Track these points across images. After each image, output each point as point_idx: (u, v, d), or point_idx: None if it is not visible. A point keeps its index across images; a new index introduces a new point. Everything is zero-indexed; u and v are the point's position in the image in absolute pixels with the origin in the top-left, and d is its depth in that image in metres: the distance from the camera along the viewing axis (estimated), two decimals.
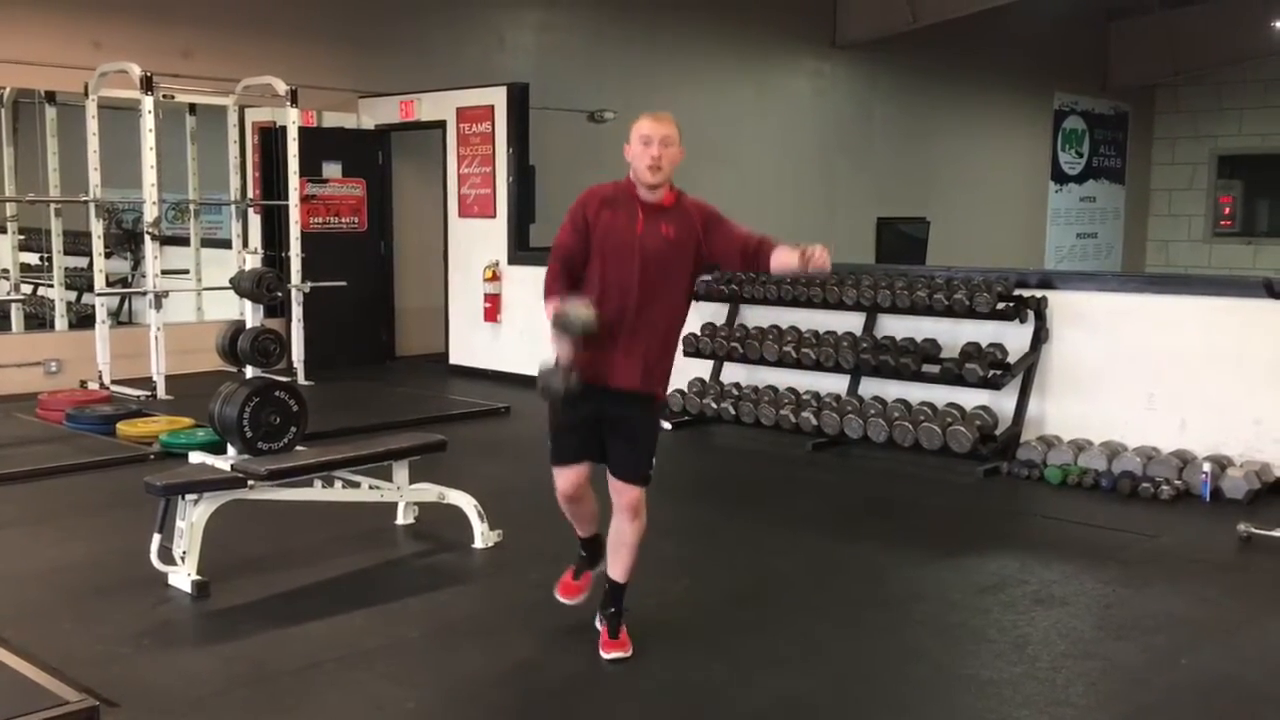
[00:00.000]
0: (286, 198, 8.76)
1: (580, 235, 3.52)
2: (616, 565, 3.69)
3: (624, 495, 3.62)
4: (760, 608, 4.26)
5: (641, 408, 3.61)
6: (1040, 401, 6.59)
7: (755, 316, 7.74)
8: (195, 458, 5.60)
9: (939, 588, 4.53)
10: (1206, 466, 5.78)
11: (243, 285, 5.68)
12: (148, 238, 7.95)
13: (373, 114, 10.07)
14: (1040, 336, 6.56)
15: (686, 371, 7.72)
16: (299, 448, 5.40)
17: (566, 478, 3.65)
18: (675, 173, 3.58)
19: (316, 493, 4.79)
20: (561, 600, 3.87)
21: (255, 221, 9.75)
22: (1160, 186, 19.19)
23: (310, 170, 9.20)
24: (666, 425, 7.44)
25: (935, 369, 6.72)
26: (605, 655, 3.65)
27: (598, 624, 3.75)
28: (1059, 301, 6.58)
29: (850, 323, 7.29)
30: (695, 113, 12.45)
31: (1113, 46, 17.77)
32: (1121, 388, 6.33)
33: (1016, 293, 6.60)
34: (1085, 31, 17.32)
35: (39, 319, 9.11)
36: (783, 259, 3.54)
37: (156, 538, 4.25)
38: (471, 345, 9.48)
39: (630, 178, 3.58)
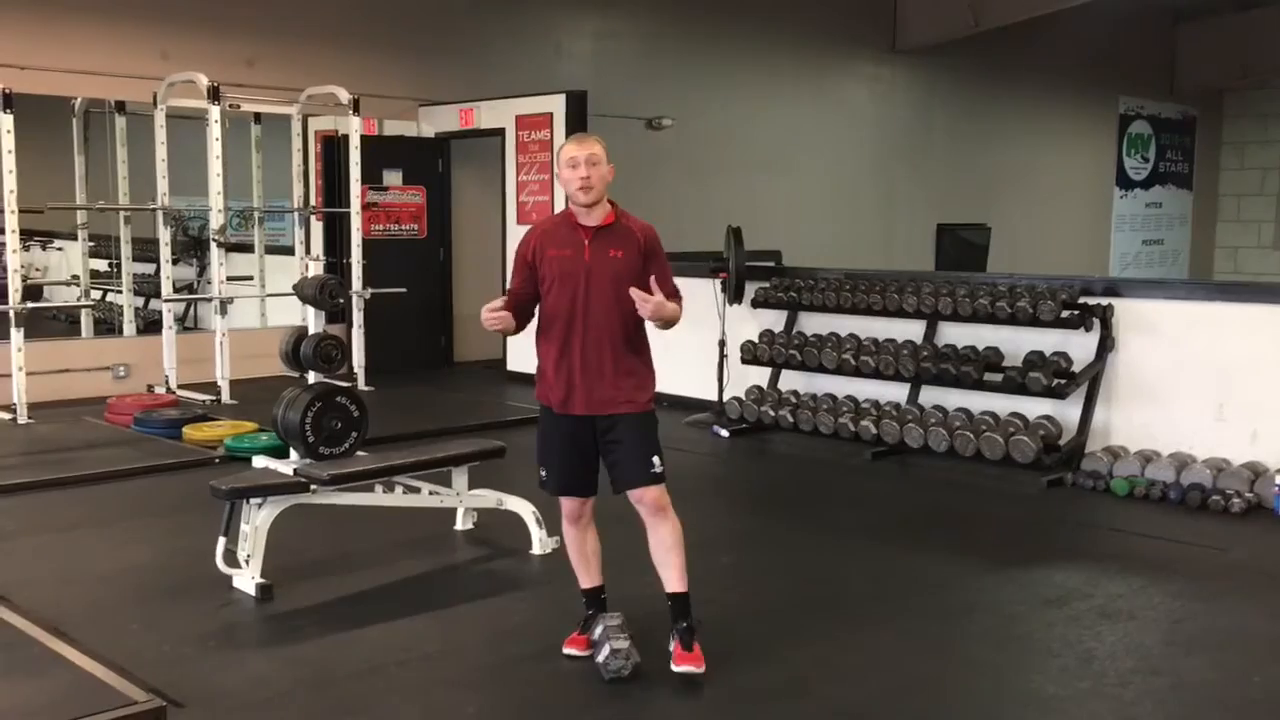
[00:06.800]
0: (348, 205, 8.87)
1: (525, 277, 3.63)
2: (670, 574, 3.62)
3: (642, 499, 3.60)
4: (818, 617, 4.22)
5: (624, 424, 3.59)
6: (1106, 411, 6.47)
7: (814, 324, 7.69)
8: (259, 462, 5.68)
9: (1001, 600, 4.46)
10: (1279, 479, 5.64)
11: (305, 291, 5.75)
12: (213, 244, 8.10)
13: (433, 122, 10.16)
14: (1106, 345, 6.44)
15: (744, 379, 7.69)
16: (360, 453, 5.45)
17: (567, 504, 3.72)
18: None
19: (377, 497, 4.84)
20: (566, 652, 3.74)
21: (318, 228, 9.88)
22: (1229, 192, 18.82)
23: (371, 178, 9.31)
24: (724, 433, 7.43)
25: (998, 378, 6.63)
26: (677, 669, 3.56)
27: (671, 645, 3.66)
28: (1125, 309, 6.46)
29: (910, 330, 7.22)
30: (751, 119, 12.46)
31: (1180, 50, 17.46)
32: (1190, 398, 6.20)
33: (1082, 300, 6.49)
34: (1151, 35, 17.02)
35: (108, 324, 9.30)
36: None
37: (222, 541, 4.31)
38: (529, 352, 9.48)
39: (570, 206, 3.61)
